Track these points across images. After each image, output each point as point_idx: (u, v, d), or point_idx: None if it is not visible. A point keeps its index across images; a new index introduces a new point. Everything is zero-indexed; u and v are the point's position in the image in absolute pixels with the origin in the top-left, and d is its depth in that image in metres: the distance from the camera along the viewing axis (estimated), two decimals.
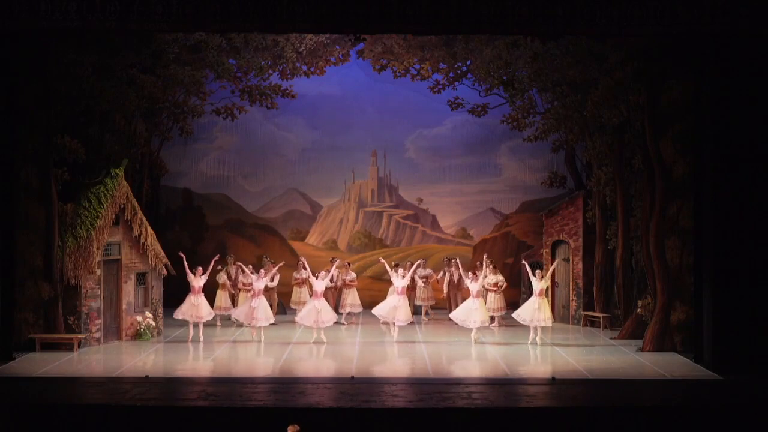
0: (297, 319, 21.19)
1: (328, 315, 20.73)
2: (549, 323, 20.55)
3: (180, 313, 20.88)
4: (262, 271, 21.52)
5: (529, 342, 20.46)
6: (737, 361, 17.52)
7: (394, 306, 21.04)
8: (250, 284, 21.62)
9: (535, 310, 20.39)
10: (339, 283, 23.60)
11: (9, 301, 18.77)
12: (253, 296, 20.86)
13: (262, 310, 20.62)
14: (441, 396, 15.52)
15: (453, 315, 21.12)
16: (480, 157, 26.72)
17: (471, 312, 20.52)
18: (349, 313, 23.50)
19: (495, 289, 22.54)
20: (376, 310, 21.46)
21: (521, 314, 20.66)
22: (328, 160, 26.81)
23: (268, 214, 26.98)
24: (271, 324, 21.05)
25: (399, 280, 21.28)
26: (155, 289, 21.60)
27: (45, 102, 19.73)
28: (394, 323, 21.03)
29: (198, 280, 20.88)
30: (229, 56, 24.56)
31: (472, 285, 20.83)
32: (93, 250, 19.99)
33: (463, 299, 22.88)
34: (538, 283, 20.55)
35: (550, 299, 21.77)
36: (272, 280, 21.89)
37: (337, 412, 14.51)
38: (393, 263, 22.82)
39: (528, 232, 26.43)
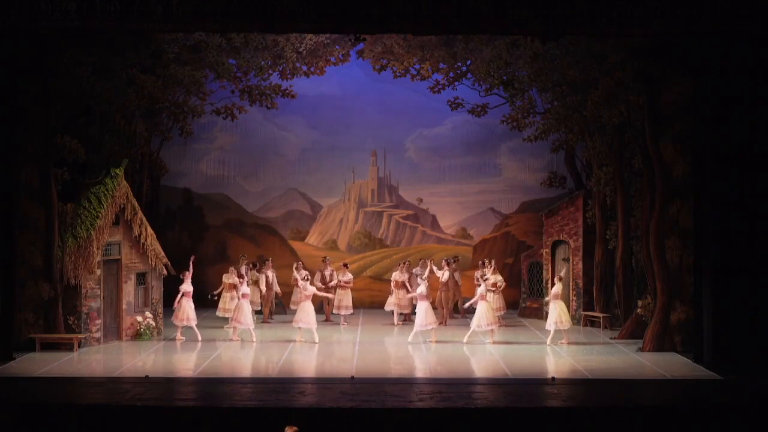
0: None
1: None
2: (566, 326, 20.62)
3: (191, 320, 21.12)
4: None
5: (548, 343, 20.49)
6: (737, 361, 17.52)
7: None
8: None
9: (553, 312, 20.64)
10: (334, 283, 23.57)
11: (9, 301, 18.76)
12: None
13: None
14: (441, 396, 15.52)
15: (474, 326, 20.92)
16: (480, 157, 26.72)
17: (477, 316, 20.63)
18: (344, 315, 23.47)
19: (494, 289, 22.53)
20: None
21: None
22: (328, 160, 26.83)
23: (268, 214, 26.98)
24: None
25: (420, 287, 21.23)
26: (155, 289, 21.59)
27: (45, 102, 19.73)
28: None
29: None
30: (229, 56, 24.57)
31: (481, 287, 20.92)
32: (93, 250, 19.99)
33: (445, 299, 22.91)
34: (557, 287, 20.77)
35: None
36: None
37: (337, 412, 14.50)
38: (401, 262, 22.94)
39: (528, 232, 26.43)
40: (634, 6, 17.11)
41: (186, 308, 21.09)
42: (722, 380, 17.04)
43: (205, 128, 26.41)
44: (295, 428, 11.57)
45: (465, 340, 20.57)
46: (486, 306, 20.63)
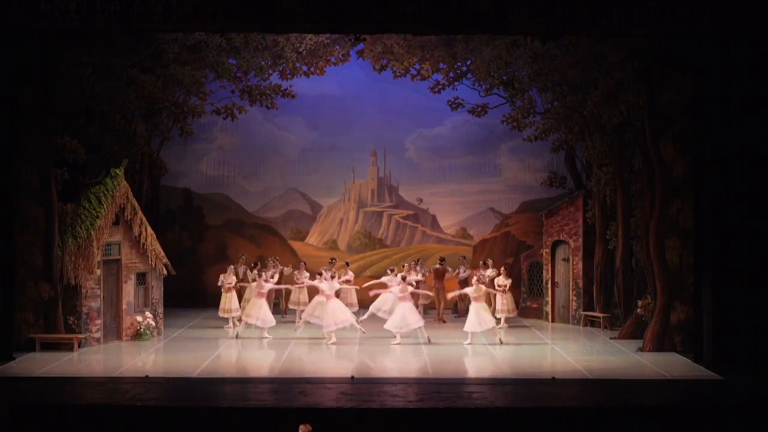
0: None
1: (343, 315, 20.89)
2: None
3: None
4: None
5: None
6: (737, 361, 17.53)
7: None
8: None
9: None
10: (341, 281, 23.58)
11: (9, 301, 18.76)
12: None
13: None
14: (441, 396, 15.52)
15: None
16: (480, 157, 26.71)
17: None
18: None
19: (502, 290, 22.54)
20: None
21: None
22: (328, 160, 26.83)
23: (268, 214, 26.98)
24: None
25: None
26: (155, 289, 21.59)
27: (45, 102, 19.72)
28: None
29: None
30: (229, 56, 24.58)
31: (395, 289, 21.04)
32: (93, 250, 19.99)
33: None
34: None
35: (551, 299, 21.85)
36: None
37: (337, 412, 14.50)
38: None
39: (528, 232, 26.41)
40: (634, 6, 17.11)
41: (261, 306, 21.06)
42: (722, 380, 17.03)
43: (205, 128, 26.41)
44: (308, 426, 11.62)
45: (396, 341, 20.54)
46: (406, 307, 20.56)
